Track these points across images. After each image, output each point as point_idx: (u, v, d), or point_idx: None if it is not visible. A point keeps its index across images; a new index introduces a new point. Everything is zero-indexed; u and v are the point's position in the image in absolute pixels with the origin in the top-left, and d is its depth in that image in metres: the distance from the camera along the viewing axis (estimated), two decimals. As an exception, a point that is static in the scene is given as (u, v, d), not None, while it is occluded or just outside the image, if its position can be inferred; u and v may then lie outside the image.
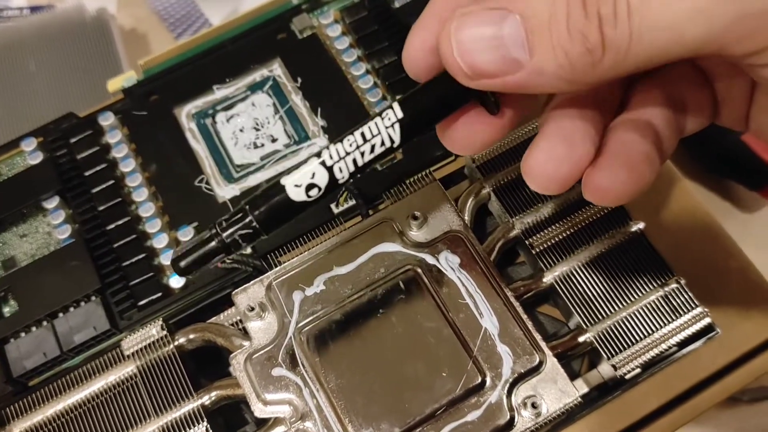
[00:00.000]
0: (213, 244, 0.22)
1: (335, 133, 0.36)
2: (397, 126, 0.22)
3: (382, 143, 0.22)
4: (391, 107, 0.22)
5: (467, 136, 0.23)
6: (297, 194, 0.22)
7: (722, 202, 0.52)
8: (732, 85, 0.23)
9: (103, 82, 0.39)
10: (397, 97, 0.22)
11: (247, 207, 0.22)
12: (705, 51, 0.18)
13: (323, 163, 0.22)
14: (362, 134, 0.22)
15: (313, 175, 0.22)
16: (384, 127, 0.22)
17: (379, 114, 0.22)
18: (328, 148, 0.22)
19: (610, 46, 0.18)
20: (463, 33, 0.20)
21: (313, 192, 0.22)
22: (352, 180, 0.22)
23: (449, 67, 0.20)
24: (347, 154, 0.22)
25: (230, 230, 0.22)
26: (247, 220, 0.22)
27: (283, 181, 0.22)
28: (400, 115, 0.22)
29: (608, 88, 0.23)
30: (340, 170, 0.22)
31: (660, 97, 0.23)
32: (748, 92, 0.23)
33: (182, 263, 0.22)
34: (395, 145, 0.22)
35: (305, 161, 0.22)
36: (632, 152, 0.22)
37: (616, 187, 0.21)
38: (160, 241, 0.34)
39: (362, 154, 0.22)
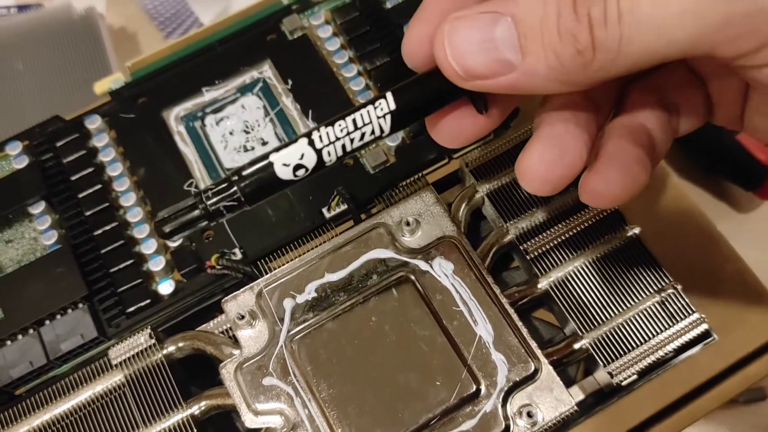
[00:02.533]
0: (197, 212, 0.22)
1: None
2: (388, 117, 0.22)
3: (372, 132, 0.22)
4: (384, 97, 0.22)
5: (454, 130, 0.24)
6: (284, 173, 0.22)
7: (717, 203, 0.52)
8: (725, 86, 0.23)
9: (92, 82, 0.38)
10: (391, 88, 0.23)
11: (234, 179, 0.22)
12: (695, 52, 0.18)
13: (313, 146, 0.22)
14: (354, 121, 0.22)
15: (302, 156, 0.22)
16: (376, 117, 0.22)
17: (372, 102, 0.22)
18: (318, 129, 0.22)
19: (601, 47, 0.18)
20: (456, 36, 0.20)
21: (300, 172, 0.22)
22: (337, 162, 0.23)
23: (443, 69, 0.21)
24: (337, 139, 0.22)
25: (215, 199, 0.22)
26: (232, 190, 0.22)
27: (272, 157, 0.22)
28: (393, 106, 0.22)
29: (602, 90, 0.23)
30: (329, 154, 0.22)
31: (653, 99, 0.23)
32: (742, 92, 0.23)
33: (166, 228, 0.23)
34: (384, 135, 0.22)
35: (295, 140, 0.22)
36: (626, 156, 0.22)
37: (611, 190, 0.22)
38: (148, 247, 0.33)
39: (351, 140, 0.22)
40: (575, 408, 0.27)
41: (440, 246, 0.30)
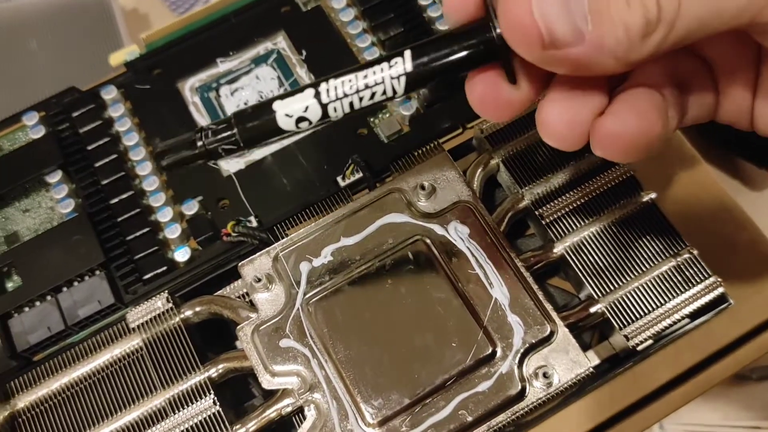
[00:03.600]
0: (195, 151, 0.22)
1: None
2: (403, 79, 0.21)
3: (384, 92, 0.21)
4: (401, 55, 0.21)
5: (494, 102, 0.22)
6: (286, 123, 0.21)
7: (731, 180, 0.52)
8: (734, 77, 0.23)
9: (105, 62, 0.38)
10: (410, 45, 0.21)
11: (234, 121, 0.22)
12: (739, 21, 0.18)
13: (318, 99, 0.21)
14: (365, 78, 0.21)
15: (307, 108, 0.21)
16: (389, 77, 0.21)
17: (387, 59, 0.21)
18: (327, 81, 0.21)
19: (664, 17, 0.18)
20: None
21: (303, 125, 0.21)
22: (343, 118, 0.22)
23: (520, 32, 0.19)
24: (345, 95, 0.21)
25: (213, 138, 0.22)
26: (231, 132, 0.22)
27: (276, 105, 0.21)
28: (409, 68, 0.21)
29: None
30: (335, 110, 0.21)
31: (665, 72, 0.23)
32: (752, 83, 0.23)
33: (164, 162, 0.23)
34: (396, 96, 0.21)
35: (301, 89, 0.21)
36: (643, 100, 0.21)
37: (626, 133, 0.21)
38: (164, 215, 0.34)
39: (360, 99, 0.21)
40: (591, 369, 0.27)
41: (456, 210, 0.30)
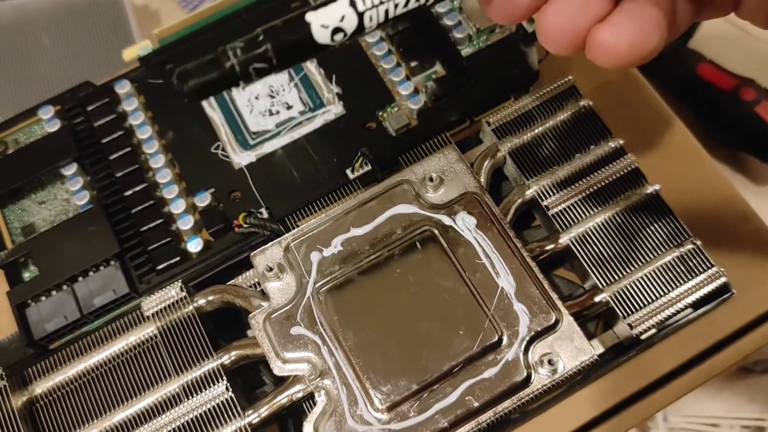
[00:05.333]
0: (225, 70, 0.20)
1: (350, 100, 0.36)
2: None
3: None
4: None
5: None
6: (321, 36, 0.20)
7: (735, 175, 0.52)
8: None
9: (117, 57, 0.39)
10: None
11: (264, 36, 0.20)
12: None
13: (355, 8, 0.20)
14: None
15: (342, 18, 0.20)
16: None
17: None
18: None
19: None
20: None
21: (338, 37, 0.20)
22: (376, 29, 0.21)
23: None
24: (381, 2, 0.20)
25: (245, 56, 0.20)
26: (264, 48, 0.20)
27: (309, 17, 0.20)
28: None
29: None
30: (370, 19, 0.20)
31: None
32: None
33: (188, 85, 0.20)
34: (428, 3, 0.21)
35: None
36: (642, 12, 0.21)
37: (620, 44, 0.21)
38: (177, 207, 0.34)
39: (396, 6, 0.20)
40: (596, 357, 0.28)
41: (463, 201, 0.31)
